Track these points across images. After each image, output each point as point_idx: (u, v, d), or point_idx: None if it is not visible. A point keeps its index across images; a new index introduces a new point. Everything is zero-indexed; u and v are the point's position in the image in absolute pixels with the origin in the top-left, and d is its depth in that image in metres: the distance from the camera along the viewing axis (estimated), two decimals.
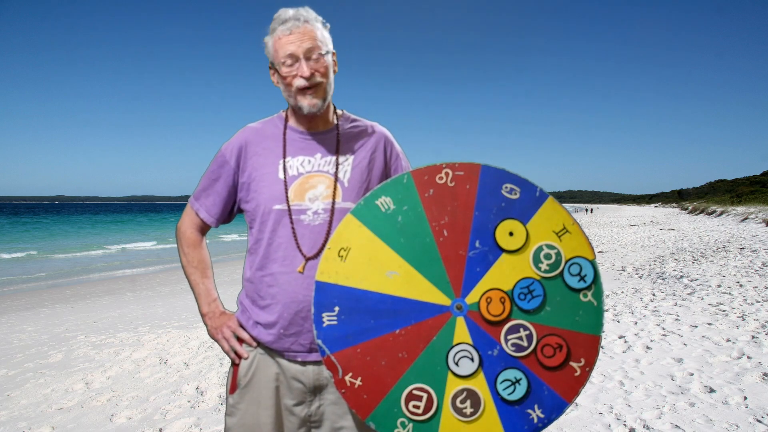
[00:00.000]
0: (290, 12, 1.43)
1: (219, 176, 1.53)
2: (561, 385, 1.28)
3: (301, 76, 1.40)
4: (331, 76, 1.47)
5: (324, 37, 1.45)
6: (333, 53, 1.48)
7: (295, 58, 1.40)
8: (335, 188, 1.46)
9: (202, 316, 1.57)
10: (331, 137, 1.51)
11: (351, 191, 1.47)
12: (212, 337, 1.55)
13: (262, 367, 1.49)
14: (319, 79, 1.42)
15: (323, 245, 1.42)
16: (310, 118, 1.49)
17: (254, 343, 1.50)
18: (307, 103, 1.43)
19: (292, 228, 1.43)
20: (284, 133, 1.51)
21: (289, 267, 1.44)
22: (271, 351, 1.49)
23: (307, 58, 1.40)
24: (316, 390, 1.47)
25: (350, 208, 1.40)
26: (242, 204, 1.54)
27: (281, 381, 1.48)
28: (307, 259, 1.43)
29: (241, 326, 1.53)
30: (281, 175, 1.46)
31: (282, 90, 1.47)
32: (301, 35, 1.41)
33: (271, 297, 1.45)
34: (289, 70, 1.41)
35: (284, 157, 1.48)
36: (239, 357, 1.50)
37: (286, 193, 1.45)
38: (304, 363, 1.47)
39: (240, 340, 1.52)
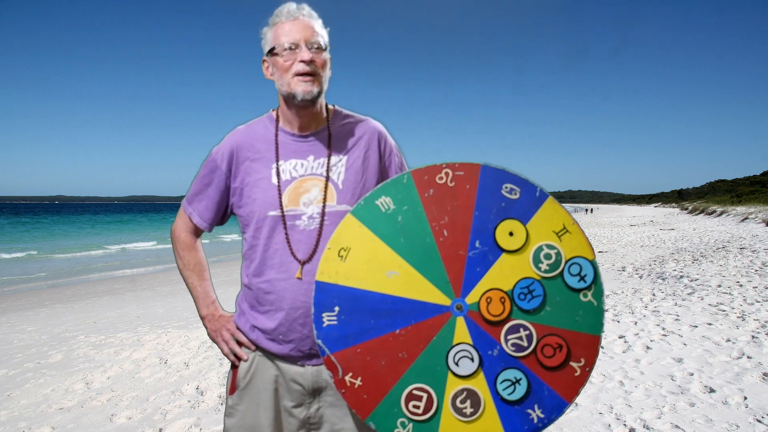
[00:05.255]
0: (293, 5, 1.44)
1: (211, 181, 1.52)
2: (561, 385, 1.27)
3: (301, 60, 1.39)
4: (327, 73, 1.46)
5: (324, 34, 1.46)
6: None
7: (296, 44, 1.40)
8: (326, 191, 1.44)
9: (202, 318, 1.56)
10: (323, 138, 1.49)
11: (346, 193, 1.45)
12: (212, 339, 1.55)
13: (260, 369, 1.49)
14: (317, 69, 1.42)
15: (316, 249, 1.42)
16: (301, 116, 1.47)
17: (253, 347, 1.50)
18: (301, 89, 1.40)
19: (286, 234, 1.42)
20: (276, 136, 1.49)
21: (285, 274, 1.42)
22: (271, 354, 1.49)
23: (308, 47, 1.40)
24: (315, 392, 1.46)
25: (345, 210, 1.40)
26: (235, 209, 1.53)
27: (280, 383, 1.48)
28: (303, 264, 1.42)
29: (239, 330, 1.52)
30: (274, 180, 1.45)
31: (276, 79, 1.45)
32: (304, 24, 1.42)
33: (270, 304, 1.44)
34: (289, 55, 1.40)
35: (277, 161, 1.46)
36: (239, 359, 1.50)
37: (280, 198, 1.43)
38: (303, 365, 1.46)
39: (239, 343, 1.51)
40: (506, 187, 1.31)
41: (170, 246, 1.64)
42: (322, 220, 1.42)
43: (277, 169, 1.46)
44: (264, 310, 1.46)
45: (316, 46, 1.41)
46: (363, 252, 1.33)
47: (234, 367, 1.52)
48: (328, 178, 1.45)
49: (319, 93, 1.44)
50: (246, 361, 1.50)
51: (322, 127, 1.51)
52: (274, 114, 1.53)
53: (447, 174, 1.33)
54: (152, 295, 9.58)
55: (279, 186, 1.44)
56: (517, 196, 1.31)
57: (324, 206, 1.43)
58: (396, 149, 1.60)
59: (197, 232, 1.61)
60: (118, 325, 6.60)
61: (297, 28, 1.41)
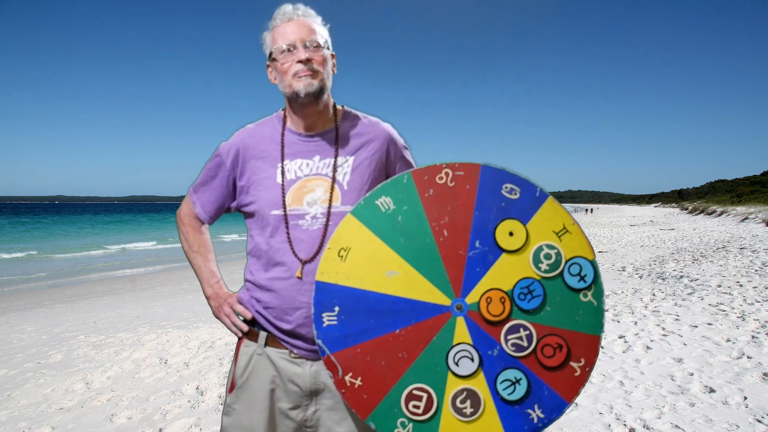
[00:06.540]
0: (290, 6, 1.45)
1: (216, 174, 1.54)
2: (561, 385, 1.28)
3: (299, 61, 1.39)
4: (329, 69, 1.46)
5: (323, 31, 1.46)
6: (332, 55, 1.49)
7: (293, 45, 1.40)
8: (332, 192, 1.44)
9: (207, 298, 1.58)
10: (330, 138, 1.49)
11: (351, 194, 1.44)
12: (216, 316, 1.56)
13: (258, 369, 1.48)
14: (316, 66, 1.42)
15: (320, 250, 1.41)
16: (306, 116, 1.46)
17: (249, 315, 1.49)
18: (302, 84, 1.40)
19: (288, 234, 1.42)
20: (282, 135, 1.49)
21: (287, 273, 1.42)
22: (270, 350, 1.48)
23: (305, 47, 1.41)
24: (313, 394, 1.45)
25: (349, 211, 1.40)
26: (242, 207, 1.54)
27: (277, 384, 1.47)
28: (304, 264, 1.41)
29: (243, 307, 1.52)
30: (279, 180, 1.45)
31: (279, 82, 1.46)
32: (300, 24, 1.42)
33: (271, 303, 1.45)
34: (287, 56, 1.41)
35: (282, 161, 1.47)
36: (242, 332, 1.50)
37: (284, 198, 1.43)
38: (302, 365, 1.46)
39: (247, 322, 1.51)
40: (506, 187, 1.31)
41: (170, 246, 1.65)
42: (327, 221, 1.42)
43: (282, 168, 1.46)
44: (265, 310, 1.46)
45: (314, 44, 1.41)
46: (363, 252, 1.33)
47: (241, 337, 1.51)
48: (334, 178, 1.45)
49: (321, 88, 1.43)
50: (249, 336, 1.49)
51: (329, 127, 1.50)
52: (282, 113, 1.54)
53: (447, 174, 1.33)
54: (152, 295, 9.59)
55: (283, 185, 1.44)
56: (517, 196, 1.31)
57: (330, 207, 1.43)
58: (406, 151, 1.59)
59: (201, 219, 1.63)
60: (118, 325, 6.60)
61: (292, 29, 1.41)
